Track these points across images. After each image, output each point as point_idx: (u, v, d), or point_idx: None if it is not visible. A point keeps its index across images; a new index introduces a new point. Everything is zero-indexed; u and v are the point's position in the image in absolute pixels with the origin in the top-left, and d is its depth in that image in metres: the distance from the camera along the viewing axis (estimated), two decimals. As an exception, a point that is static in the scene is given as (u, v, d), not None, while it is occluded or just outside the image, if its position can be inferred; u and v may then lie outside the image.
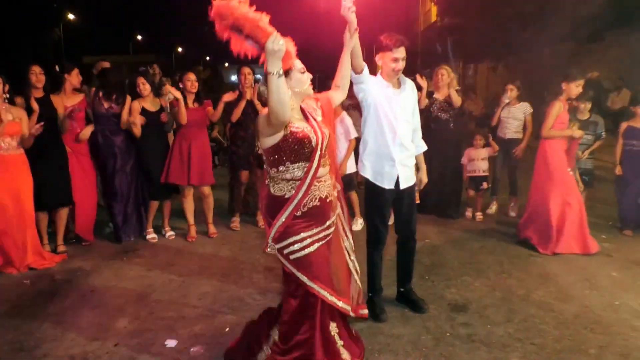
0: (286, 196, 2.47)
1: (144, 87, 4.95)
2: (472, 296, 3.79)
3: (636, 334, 3.19)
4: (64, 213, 4.82)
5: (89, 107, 5.04)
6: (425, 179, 3.66)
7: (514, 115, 5.93)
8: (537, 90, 13.88)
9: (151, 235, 5.21)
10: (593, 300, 3.68)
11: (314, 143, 2.44)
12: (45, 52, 23.15)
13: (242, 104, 5.16)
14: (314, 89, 2.67)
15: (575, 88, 4.68)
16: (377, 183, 3.38)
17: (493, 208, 6.13)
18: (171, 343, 3.16)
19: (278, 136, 2.40)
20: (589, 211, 5.71)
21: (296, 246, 2.48)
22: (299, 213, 2.47)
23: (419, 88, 5.86)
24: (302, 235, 2.48)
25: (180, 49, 44.44)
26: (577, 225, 4.71)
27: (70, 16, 30.39)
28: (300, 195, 2.45)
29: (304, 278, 2.49)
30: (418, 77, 5.83)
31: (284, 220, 2.46)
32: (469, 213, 5.93)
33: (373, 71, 3.43)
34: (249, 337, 2.79)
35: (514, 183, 6.08)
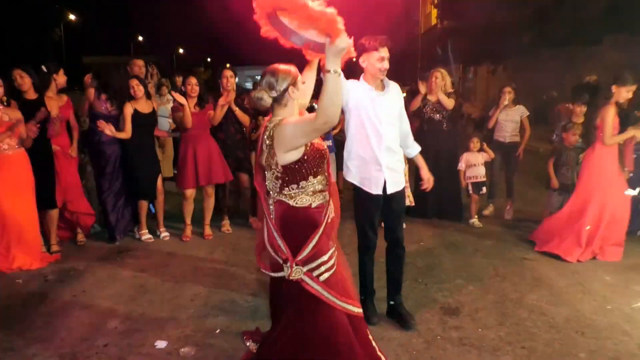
0: (312, 205, 2.31)
1: (138, 88, 4.94)
2: (465, 299, 3.79)
3: (627, 338, 3.19)
4: (54, 214, 4.80)
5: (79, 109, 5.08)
6: (431, 177, 3.51)
7: (511, 118, 5.93)
8: (537, 93, 13.91)
9: (147, 236, 5.21)
10: (585, 304, 3.67)
11: (325, 153, 2.37)
12: (45, 52, 23.19)
13: (226, 107, 5.14)
14: None
15: (625, 93, 4.48)
16: (364, 188, 3.31)
17: (489, 210, 6.12)
18: (161, 344, 3.16)
19: (302, 149, 2.24)
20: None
21: (325, 266, 2.30)
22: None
23: (417, 93, 5.87)
24: (329, 253, 2.33)
25: (181, 50, 44.53)
26: (617, 233, 4.61)
27: (71, 16, 30.45)
28: (329, 209, 2.34)
29: (334, 299, 2.30)
30: (419, 83, 5.85)
31: (317, 239, 2.27)
32: (472, 219, 5.81)
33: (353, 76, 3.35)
34: None
35: (512, 186, 6.07)
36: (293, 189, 2.30)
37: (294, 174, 2.27)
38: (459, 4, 17.42)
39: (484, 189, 5.81)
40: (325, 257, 2.32)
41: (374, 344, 2.59)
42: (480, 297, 3.82)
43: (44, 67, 4.74)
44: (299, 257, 2.27)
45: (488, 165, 5.94)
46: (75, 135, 5.05)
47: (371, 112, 3.20)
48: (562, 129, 5.43)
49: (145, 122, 5.03)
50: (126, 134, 4.87)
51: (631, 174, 4.97)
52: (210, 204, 5.32)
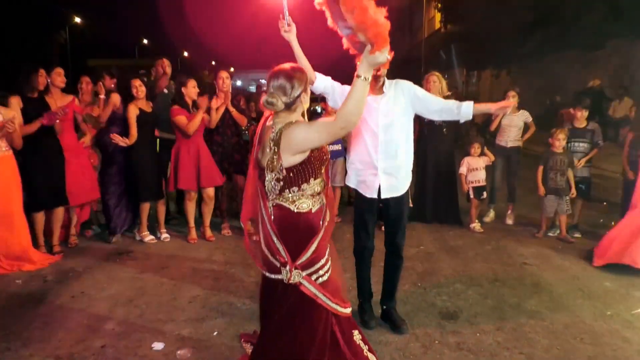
0: (313, 210, 2.29)
1: (140, 89, 5.00)
2: (464, 304, 3.77)
3: (626, 345, 3.16)
4: (60, 213, 4.82)
5: (80, 108, 5.09)
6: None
7: (514, 123, 5.91)
8: (540, 97, 13.89)
9: (149, 237, 5.23)
10: (585, 310, 3.65)
11: (326, 155, 2.35)
12: (50, 55, 23.33)
13: (222, 109, 5.16)
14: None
15: None
16: (360, 191, 3.31)
17: (490, 216, 6.10)
18: (158, 346, 3.15)
19: (308, 151, 2.23)
20: (584, 220, 5.72)
21: (323, 270, 2.31)
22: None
23: None
24: (326, 256, 2.34)
25: (186, 53, 44.66)
26: None
27: (77, 19, 30.62)
28: (327, 211, 2.34)
29: (327, 300, 2.31)
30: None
31: (317, 243, 2.27)
32: (472, 224, 5.78)
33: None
34: None
35: (513, 191, 6.05)
36: (294, 192, 2.26)
37: (296, 176, 2.23)
38: (462, 9, 17.44)
39: (485, 194, 5.79)
40: (322, 261, 2.31)
41: (362, 345, 2.58)
42: (479, 302, 3.80)
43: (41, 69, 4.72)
44: (299, 262, 2.25)
45: (489, 169, 5.93)
46: (87, 132, 5.13)
47: (367, 117, 3.17)
48: (549, 134, 5.42)
49: (149, 121, 5.11)
50: (134, 137, 4.92)
51: None
52: (210, 206, 5.33)
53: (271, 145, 2.21)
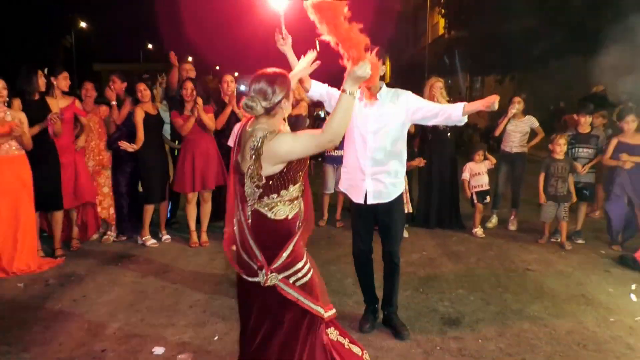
0: (289, 217, 2.26)
1: (145, 92, 5.08)
2: (466, 310, 3.75)
3: (629, 351, 3.14)
4: (59, 217, 4.83)
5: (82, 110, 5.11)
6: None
7: (519, 129, 5.89)
8: (544, 103, 13.87)
9: (151, 241, 5.24)
10: (588, 317, 3.62)
11: (307, 161, 2.32)
12: (55, 59, 23.48)
13: (228, 111, 5.19)
14: None
15: None
16: (349, 196, 3.34)
17: (493, 221, 6.08)
18: (159, 350, 3.15)
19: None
20: (587, 225, 5.69)
21: (301, 272, 2.28)
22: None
23: None
24: (304, 258, 2.31)
25: (190, 58, 44.92)
26: None
27: (83, 24, 30.84)
28: (302, 216, 2.33)
29: (309, 303, 2.28)
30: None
31: (292, 248, 2.25)
32: (475, 229, 5.75)
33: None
34: None
35: (517, 196, 6.03)
36: (273, 198, 2.22)
37: (276, 184, 2.20)
38: (466, 14, 17.45)
39: (488, 198, 5.77)
40: (300, 264, 2.29)
41: (341, 339, 2.50)
42: (481, 308, 3.78)
43: (45, 70, 4.76)
44: (274, 265, 2.24)
45: (493, 175, 5.91)
46: (82, 136, 5.11)
47: (359, 122, 3.17)
48: (549, 140, 5.41)
49: (154, 123, 5.18)
50: (141, 140, 4.97)
51: None
52: (207, 210, 5.32)
53: (252, 153, 2.17)
